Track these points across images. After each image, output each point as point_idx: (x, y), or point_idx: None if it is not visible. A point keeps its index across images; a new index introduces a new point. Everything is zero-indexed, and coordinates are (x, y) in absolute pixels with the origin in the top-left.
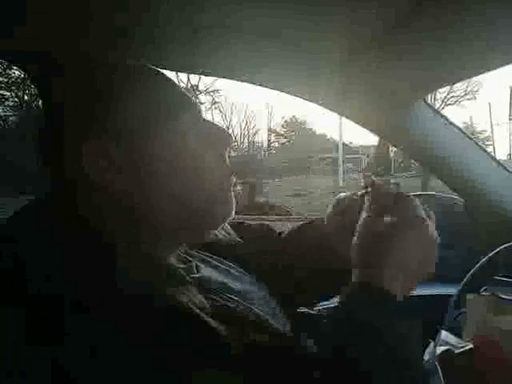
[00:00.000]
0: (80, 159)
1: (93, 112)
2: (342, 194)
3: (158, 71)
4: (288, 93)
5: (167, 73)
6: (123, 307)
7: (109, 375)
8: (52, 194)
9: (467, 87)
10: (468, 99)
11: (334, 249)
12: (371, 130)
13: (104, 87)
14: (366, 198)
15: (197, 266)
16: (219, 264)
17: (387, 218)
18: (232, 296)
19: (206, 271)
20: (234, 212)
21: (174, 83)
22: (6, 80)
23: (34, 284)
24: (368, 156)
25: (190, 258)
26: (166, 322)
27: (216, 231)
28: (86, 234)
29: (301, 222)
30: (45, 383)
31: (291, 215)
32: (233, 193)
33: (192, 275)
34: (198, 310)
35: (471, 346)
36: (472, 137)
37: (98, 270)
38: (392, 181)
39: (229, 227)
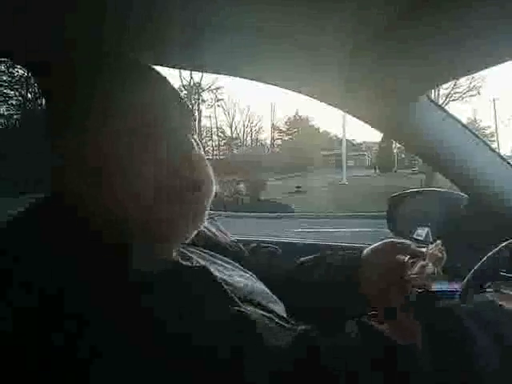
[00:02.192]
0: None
1: (63, 110)
2: (408, 242)
3: (154, 70)
4: (291, 90)
5: (169, 71)
6: (129, 304)
7: (130, 372)
8: (51, 196)
9: (471, 83)
10: (472, 95)
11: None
12: (374, 127)
13: (72, 84)
14: None
15: (197, 263)
16: (218, 261)
17: None
18: (235, 290)
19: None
20: (201, 225)
21: (164, 81)
22: (9, 79)
23: (34, 288)
24: (371, 153)
25: (190, 255)
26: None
27: (214, 231)
28: (80, 237)
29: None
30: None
31: (293, 212)
32: (196, 205)
33: None
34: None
35: None
36: (476, 132)
37: (101, 266)
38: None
39: (222, 227)
